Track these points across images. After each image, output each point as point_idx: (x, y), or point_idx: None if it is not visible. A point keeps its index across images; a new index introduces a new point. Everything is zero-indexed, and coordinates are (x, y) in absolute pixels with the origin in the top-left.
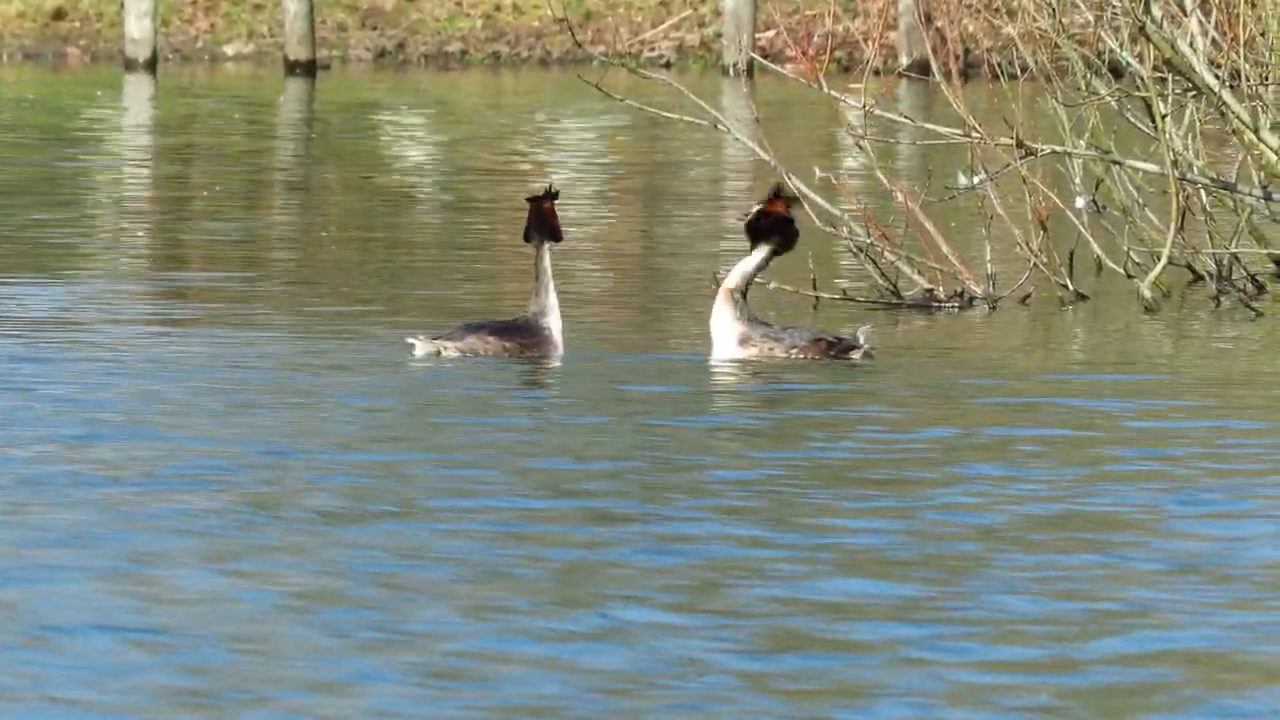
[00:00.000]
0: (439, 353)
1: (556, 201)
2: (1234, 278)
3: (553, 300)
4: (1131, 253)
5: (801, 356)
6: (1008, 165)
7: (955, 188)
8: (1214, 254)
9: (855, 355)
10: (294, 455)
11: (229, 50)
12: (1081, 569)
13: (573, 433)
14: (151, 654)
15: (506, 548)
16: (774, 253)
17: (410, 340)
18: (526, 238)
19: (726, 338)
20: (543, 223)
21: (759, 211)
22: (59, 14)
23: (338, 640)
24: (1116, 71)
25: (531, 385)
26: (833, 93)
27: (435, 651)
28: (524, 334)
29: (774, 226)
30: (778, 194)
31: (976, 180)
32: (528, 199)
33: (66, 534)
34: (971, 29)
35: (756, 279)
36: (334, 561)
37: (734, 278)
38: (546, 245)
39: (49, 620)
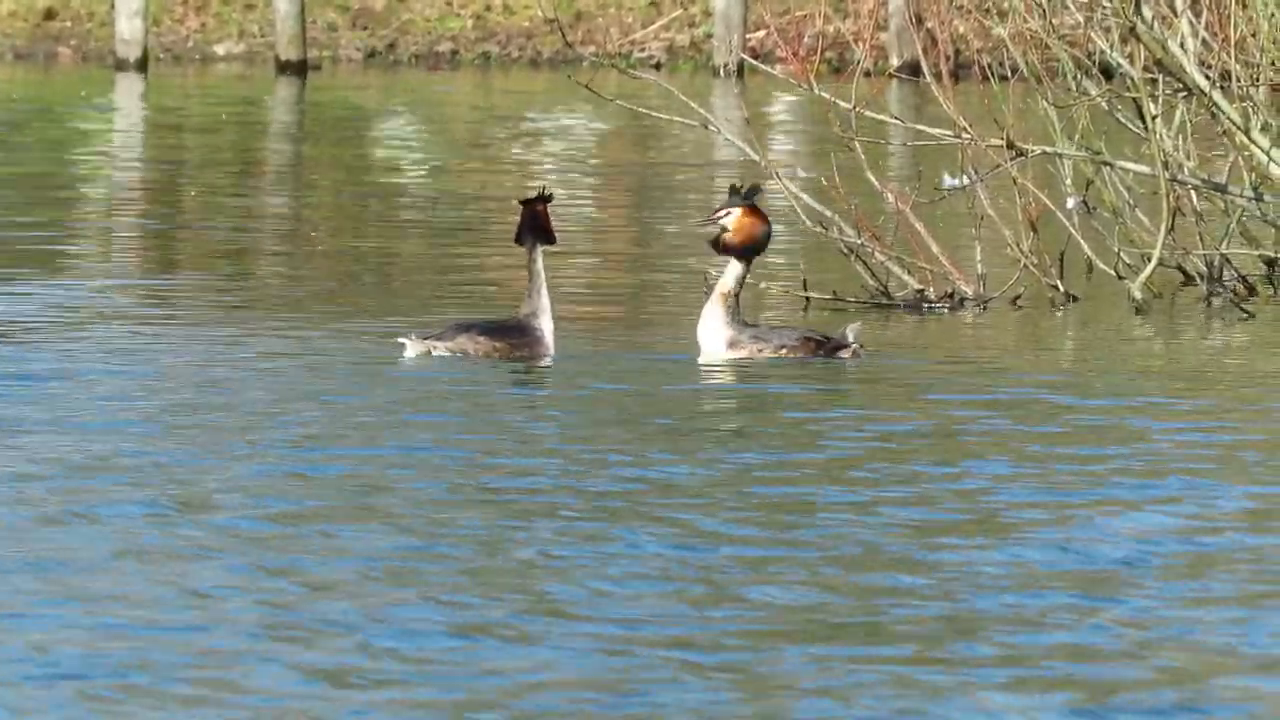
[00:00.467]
0: (429, 352)
1: (550, 204)
2: (1225, 279)
3: (545, 302)
4: (1122, 254)
5: (790, 356)
6: (998, 166)
7: (943, 189)
8: (1205, 255)
9: (844, 354)
10: (235, 455)
11: (220, 50)
12: (994, 566)
13: (521, 431)
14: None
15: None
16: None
17: (401, 340)
18: (519, 240)
19: (715, 340)
20: (536, 225)
21: (720, 237)
22: (50, 14)
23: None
24: (1107, 72)
25: (511, 385)
26: (822, 93)
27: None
28: (514, 334)
29: (744, 249)
30: (743, 196)
31: (961, 182)
32: (520, 201)
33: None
34: (962, 30)
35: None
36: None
37: (729, 281)
38: (540, 248)
39: None
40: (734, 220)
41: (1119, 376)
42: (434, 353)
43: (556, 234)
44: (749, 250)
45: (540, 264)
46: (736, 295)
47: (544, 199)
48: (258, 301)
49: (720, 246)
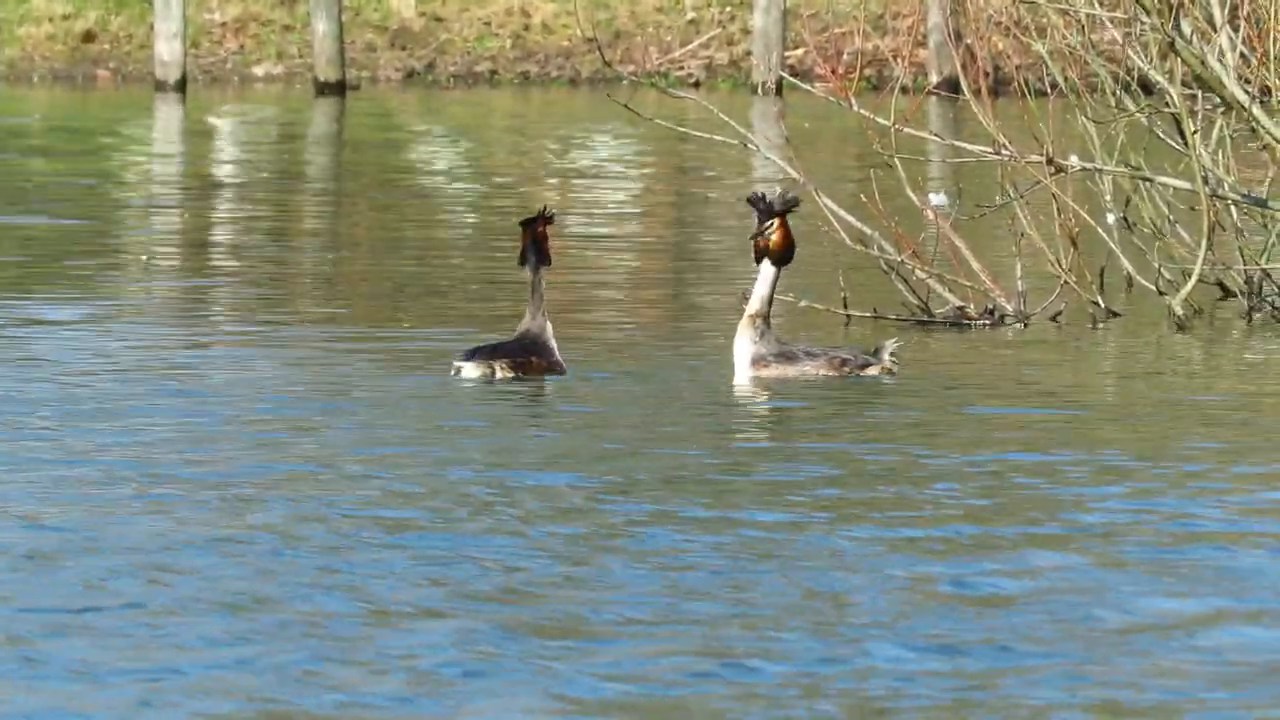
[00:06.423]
0: (458, 373)
1: (550, 225)
2: (1265, 294)
3: (546, 324)
4: (1162, 269)
5: (816, 375)
6: (1038, 182)
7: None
8: (1245, 270)
9: (872, 372)
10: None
11: (259, 71)
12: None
13: (487, 449)
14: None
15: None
16: (780, 266)
17: (457, 364)
18: (522, 262)
19: (743, 361)
20: (536, 247)
21: (758, 243)
22: (89, 36)
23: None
24: (1146, 88)
25: (527, 404)
26: (862, 111)
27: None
28: (533, 352)
29: (779, 254)
30: (769, 209)
31: (950, 202)
32: (521, 222)
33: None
34: (1001, 46)
35: (777, 296)
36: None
37: (754, 303)
38: (542, 269)
39: None
40: (774, 230)
41: (1160, 393)
42: (462, 374)
43: (554, 255)
44: (788, 255)
45: (543, 286)
46: (766, 316)
47: (545, 219)
48: (282, 318)
49: (761, 255)
